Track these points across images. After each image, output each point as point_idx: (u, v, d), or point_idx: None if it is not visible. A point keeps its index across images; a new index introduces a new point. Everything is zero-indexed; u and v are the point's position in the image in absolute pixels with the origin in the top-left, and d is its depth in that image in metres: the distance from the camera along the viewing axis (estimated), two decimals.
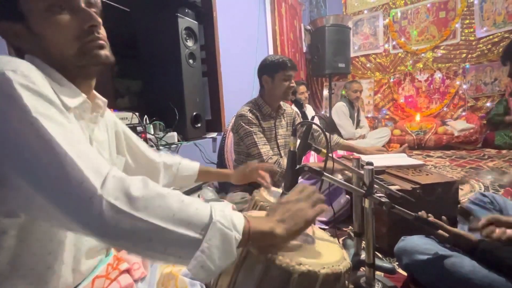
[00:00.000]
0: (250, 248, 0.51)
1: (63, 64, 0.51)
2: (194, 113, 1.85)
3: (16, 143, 0.38)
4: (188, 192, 1.54)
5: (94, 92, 0.61)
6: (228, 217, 0.43)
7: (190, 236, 0.40)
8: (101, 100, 0.62)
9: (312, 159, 1.87)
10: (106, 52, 0.54)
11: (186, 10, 1.84)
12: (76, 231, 0.42)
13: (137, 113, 1.48)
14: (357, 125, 3.55)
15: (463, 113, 3.77)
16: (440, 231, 0.80)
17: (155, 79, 1.85)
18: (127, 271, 0.61)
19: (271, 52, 3.24)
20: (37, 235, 0.47)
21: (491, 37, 3.53)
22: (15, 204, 0.43)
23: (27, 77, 0.41)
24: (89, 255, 0.56)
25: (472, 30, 3.66)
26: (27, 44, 0.50)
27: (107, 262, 0.60)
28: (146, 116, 1.63)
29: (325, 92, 4.59)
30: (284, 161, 1.45)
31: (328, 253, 0.56)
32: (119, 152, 0.75)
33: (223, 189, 1.73)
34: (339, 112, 3.35)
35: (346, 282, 0.55)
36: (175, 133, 1.72)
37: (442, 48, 3.88)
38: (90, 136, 0.58)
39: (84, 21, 0.51)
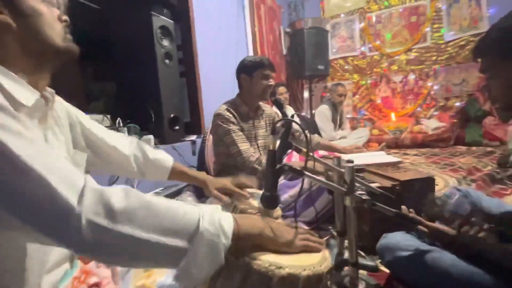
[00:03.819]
0: (227, 254, 0.48)
1: (43, 51, 0.51)
2: (172, 115, 1.78)
3: None
4: (167, 197, 1.47)
5: None
6: (217, 222, 0.43)
7: (177, 245, 0.39)
8: (48, 92, 0.57)
9: (294, 160, 1.86)
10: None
11: (163, 10, 1.78)
12: (55, 246, 0.40)
13: (108, 116, 1.40)
14: (339, 126, 3.61)
15: (435, 113, 3.95)
16: (420, 227, 0.81)
17: (130, 80, 1.76)
18: (96, 285, 0.56)
19: (251, 54, 3.23)
20: None
21: (458, 40, 3.73)
22: None
23: None
24: (52, 268, 0.51)
25: (440, 34, 3.86)
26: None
27: (72, 275, 0.54)
28: (119, 119, 1.55)
29: (306, 94, 4.65)
30: (265, 160, 1.43)
31: (309, 254, 0.54)
32: (77, 146, 0.67)
33: (203, 194, 1.67)
34: (322, 116, 3.40)
35: (328, 282, 0.53)
36: (151, 136, 1.64)
37: (414, 51, 4.06)
38: (45, 135, 0.53)
39: (61, 15, 0.55)
